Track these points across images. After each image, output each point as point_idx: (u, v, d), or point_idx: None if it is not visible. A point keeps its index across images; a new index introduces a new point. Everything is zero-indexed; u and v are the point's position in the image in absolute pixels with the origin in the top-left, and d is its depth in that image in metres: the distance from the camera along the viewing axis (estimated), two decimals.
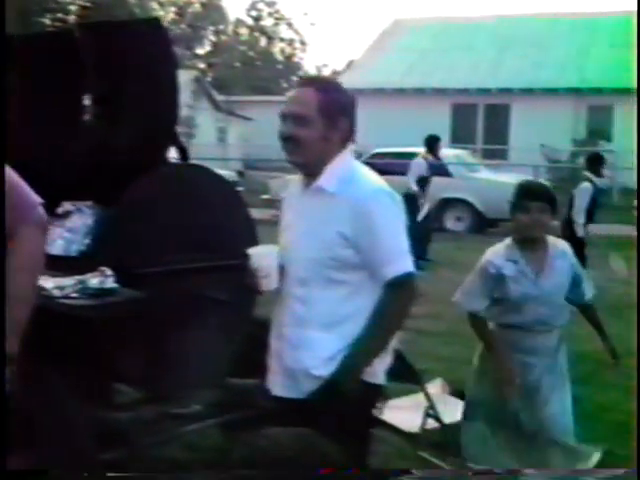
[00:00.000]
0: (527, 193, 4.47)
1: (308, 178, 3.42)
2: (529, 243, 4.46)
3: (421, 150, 18.43)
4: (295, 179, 3.56)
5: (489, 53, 30.77)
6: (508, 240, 4.55)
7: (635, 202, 17.88)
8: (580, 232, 10.50)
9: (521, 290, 4.42)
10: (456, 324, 9.08)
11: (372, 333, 3.29)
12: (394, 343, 3.49)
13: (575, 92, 27.70)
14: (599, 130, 26.95)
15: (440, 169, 16.47)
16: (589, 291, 4.69)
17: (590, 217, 10.68)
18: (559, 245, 4.59)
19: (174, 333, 4.22)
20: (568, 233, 10.59)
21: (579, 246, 10.39)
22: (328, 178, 3.33)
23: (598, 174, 10.89)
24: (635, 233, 17.20)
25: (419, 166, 14.02)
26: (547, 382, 4.63)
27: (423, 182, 14.00)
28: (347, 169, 3.37)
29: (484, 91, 28.42)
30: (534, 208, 4.35)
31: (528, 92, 27.90)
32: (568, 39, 30.60)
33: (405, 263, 3.29)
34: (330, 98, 3.32)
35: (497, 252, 4.54)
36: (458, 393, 5.95)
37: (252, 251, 3.46)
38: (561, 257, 4.51)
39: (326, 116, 3.30)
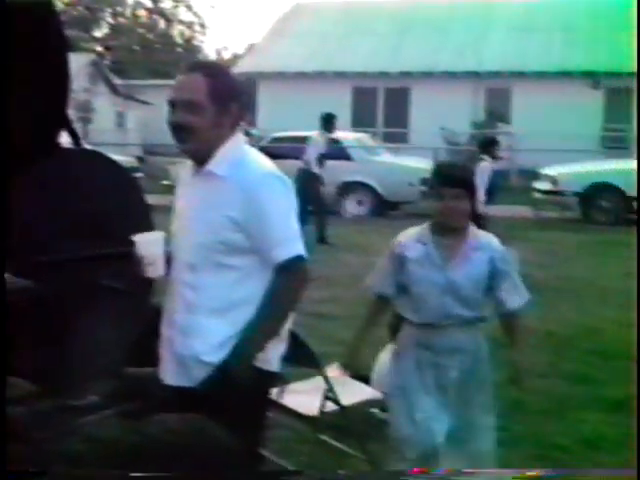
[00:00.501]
0: (441, 178, 4.13)
1: (199, 163, 3.37)
2: (445, 229, 4.08)
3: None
4: (187, 164, 3.50)
5: (389, 37, 30.94)
6: (425, 224, 4.18)
7: (534, 184, 18.27)
8: (481, 208, 10.79)
9: (423, 275, 4.07)
10: (356, 307, 9.15)
11: (263, 318, 3.27)
12: (288, 328, 3.47)
13: (474, 76, 28.10)
14: (497, 113, 27.40)
15: (336, 147, 16.53)
16: (515, 298, 4.18)
17: (487, 198, 10.99)
18: (482, 237, 4.17)
19: (68, 323, 4.15)
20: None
21: (478, 223, 10.71)
22: (218, 162, 3.29)
23: (493, 156, 11.20)
24: (531, 214, 17.60)
25: (317, 144, 14.02)
26: (464, 385, 4.20)
27: (322, 160, 14.03)
28: (238, 153, 3.33)
29: (384, 75, 28.61)
30: (448, 195, 3.99)
31: (428, 76, 28.18)
32: (467, 24, 30.95)
33: (295, 246, 3.27)
34: (220, 83, 3.28)
35: (408, 233, 4.25)
36: (357, 376, 6.01)
37: (137, 238, 3.43)
38: (481, 249, 4.08)
39: (217, 102, 3.25)
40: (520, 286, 4.19)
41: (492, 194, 11.28)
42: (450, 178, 4.08)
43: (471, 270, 4.07)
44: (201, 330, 3.30)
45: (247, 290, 3.28)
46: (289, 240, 3.27)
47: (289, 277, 3.26)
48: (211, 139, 3.29)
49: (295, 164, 17.36)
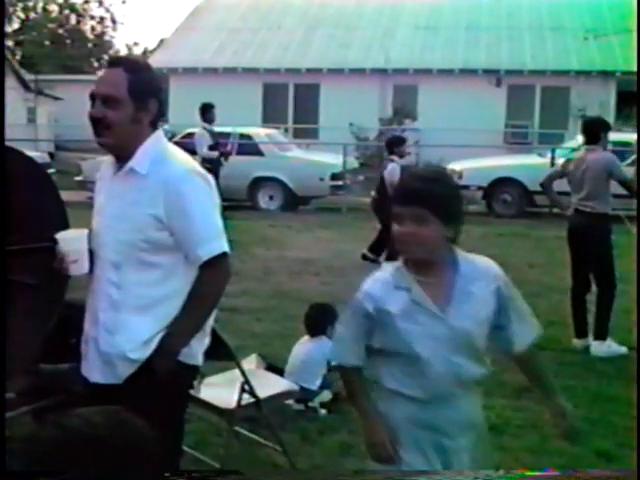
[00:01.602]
0: (399, 193, 3.03)
1: (119, 160, 3.34)
2: (426, 265, 3.00)
3: (234, 129, 18.54)
4: (107, 161, 3.47)
5: (298, 33, 30.97)
6: (397, 262, 3.05)
7: None
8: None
9: (417, 330, 2.96)
10: (268, 300, 9.24)
11: (188, 314, 3.27)
12: (210, 323, 3.49)
13: (381, 72, 28.28)
14: (404, 109, 27.63)
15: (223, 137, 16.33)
16: (528, 332, 3.16)
17: None
18: (479, 264, 3.10)
19: None
20: (381, 212, 11.15)
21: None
22: (139, 160, 3.26)
23: (400, 155, 11.38)
24: None
25: (203, 137, 13.89)
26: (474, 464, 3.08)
27: (214, 149, 13.87)
28: (159, 150, 3.31)
29: (294, 71, 28.60)
30: (408, 215, 2.91)
31: (336, 72, 28.27)
32: (374, 21, 31.18)
33: (219, 243, 3.28)
34: (140, 79, 3.26)
35: (378, 280, 3.05)
36: (272, 368, 6.04)
37: (60, 235, 3.38)
38: (481, 278, 3.04)
39: (136, 97, 3.23)
40: (528, 314, 3.20)
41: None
42: (410, 192, 2.95)
43: (476, 308, 3.01)
44: (126, 327, 3.28)
45: (171, 287, 3.28)
46: (212, 237, 3.27)
47: (213, 273, 3.27)
48: (129, 134, 3.26)
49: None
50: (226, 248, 3.30)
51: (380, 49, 29.07)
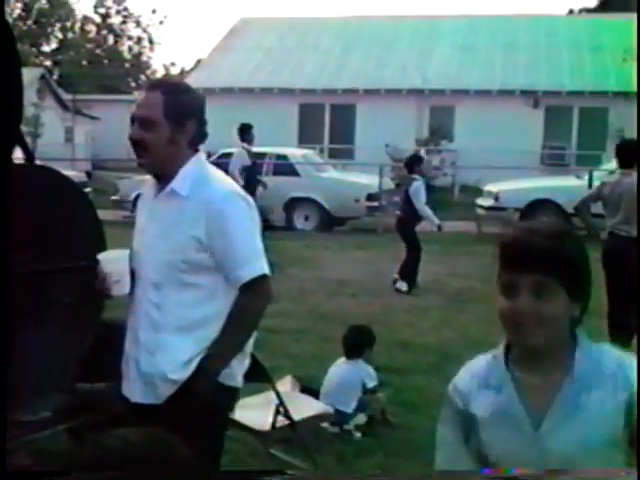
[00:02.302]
0: (511, 254, 2.24)
1: (160, 181, 3.37)
2: (533, 356, 2.24)
3: (270, 150, 18.64)
4: (148, 182, 3.50)
5: (334, 53, 31.10)
6: (497, 349, 2.35)
7: (477, 200, 18.47)
8: (435, 221, 11.75)
9: (501, 446, 2.24)
10: (304, 321, 9.24)
11: (228, 336, 3.28)
12: (250, 345, 3.49)
13: (418, 92, 28.31)
14: (441, 130, 27.62)
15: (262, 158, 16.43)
16: None
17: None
18: (606, 360, 2.23)
19: (16, 337, 4.10)
20: (405, 232, 11.29)
21: (417, 242, 11.21)
22: (180, 181, 3.29)
23: (422, 174, 11.55)
24: (475, 229, 17.77)
25: (240, 157, 13.93)
26: None
27: (249, 171, 13.89)
28: (200, 172, 3.33)
29: (330, 91, 28.69)
30: (526, 285, 2.17)
31: (372, 92, 28.34)
32: (411, 40, 31.24)
33: (259, 265, 3.29)
34: (177, 101, 3.28)
35: (469, 370, 2.40)
36: (307, 390, 6.04)
37: (102, 256, 3.42)
38: (602, 386, 2.18)
39: (172, 119, 3.26)
40: None
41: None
42: (529, 255, 2.17)
43: (588, 426, 2.16)
44: (167, 348, 3.30)
45: (212, 308, 3.30)
46: (253, 259, 3.29)
47: (253, 295, 3.28)
48: (167, 155, 3.29)
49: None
50: (266, 270, 3.31)
51: (417, 69, 29.12)
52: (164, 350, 3.31)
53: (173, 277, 3.27)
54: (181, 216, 3.27)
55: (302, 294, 10.84)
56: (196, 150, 3.38)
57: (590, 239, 11.98)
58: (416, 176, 11.50)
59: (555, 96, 27.21)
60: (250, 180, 13.38)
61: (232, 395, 3.48)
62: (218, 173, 3.44)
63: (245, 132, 14.11)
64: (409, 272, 11.43)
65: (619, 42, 29.24)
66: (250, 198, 3.38)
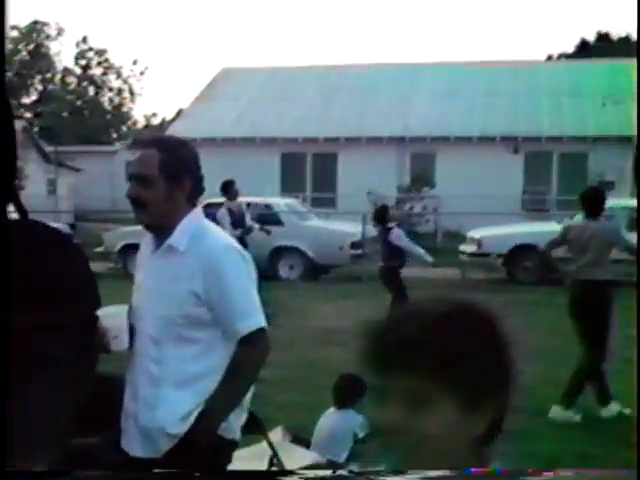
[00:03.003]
0: (377, 346, 1.55)
1: (158, 236, 3.42)
2: None
3: (253, 199, 18.72)
4: (146, 238, 3.55)
5: (316, 102, 31.39)
6: None
7: (460, 246, 18.60)
8: (428, 258, 12.40)
9: None
10: (293, 371, 9.25)
11: (227, 389, 3.32)
12: (248, 398, 3.53)
13: (399, 140, 28.56)
14: (423, 176, 27.83)
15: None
16: None
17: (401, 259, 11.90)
18: None
19: (10, 393, 4.11)
20: (389, 281, 11.47)
21: (403, 290, 11.34)
22: (178, 237, 3.34)
23: (393, 220, 12.29)
24: (458, 276, 17.86)
25: (224, 215, 13.86)
26: None
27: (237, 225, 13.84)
28: (197, 227, 3.38)
29: (312, 140, 28.91)
30: (394, 390, 1.53)
31: (354, 141, 28.56)
32: (392, 89, 31.58)
33: (257, 318, 3.34)
34: (172, 157, 3.33)
35: None
36: (299, 440, 6.04)
37: (102, 312, 3.44)
38: None
39: (168, 176, 3.31)
40: None
41: (402, 256, 11.81)
42: (398, 350, 1.51)
43: None
44: (166, 403, 3.33)
45: (210, 362, 3.34)
46: (250, 312, 3.34)
47: (251, 349, 3.33)
48: (164, 212, 3.35)
49: (228, 230, 17.46)
50: (264, 323, 3.36)
51: (398, 117, 29.41)
52: (163, 404, 3.33)
53: (172, 332, 3.31)
54: (179, 271, 3.31)
55: (290, 343, 10.84)
56: (193, 205, 3.43)
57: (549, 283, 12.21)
58: (391, 224, 11.82)
59: (535, 142, 27.55)
60: (241, 235, 13.38)
61: (231, 448, 3.50)
62: (215, 228, 3.51)
63: (228, 188, 14.13)
64: None
65: (598, 87, 29.69)
66: (246, 252, 3.43)
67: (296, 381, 8.76)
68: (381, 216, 12.08)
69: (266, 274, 17.77)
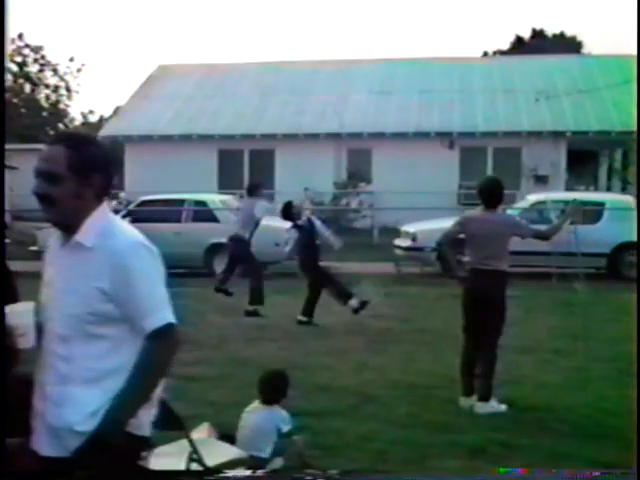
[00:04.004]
0: None
1: (67, 233, 3.38)
2: None
3: (188, 196, 18.65)
4: (55, 234, 3.50)
5: (253, 99, 31.31)
6: None
7: (395, 241, 18.68)
8: (335, 242, 12.88)
9: None
10: (224, 368, 9.24)
11: (134, 385, 3.28)
12: (159, 393, 3.51)
13: (335, 137, 28.61)
14: (359, 173, 27.94)
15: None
16: None
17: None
18: None
19: None
20: (308, 270, 11.81)
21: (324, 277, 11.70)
22: (86, 233, 3.31)
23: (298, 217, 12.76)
24: (393, 270, 17.97)
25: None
26: None
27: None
28: (105, 224, 3.35)
29: (249, 137, 28.84)
30: None
31: (291, 137, 28.58)
32: (329, 86, 31.65)
33: (165, 314, 3.31)
34: (81, 154, 3.30)
35: None
36: (226, 436, 6.05)
37: (9, 309, 3.42)
38: None
39: (77, 173, 3.28)
40: None
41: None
42: None
43: None
44: (74, 400, 3.29)
45: (119, 359, 3.31)
46: (158, 308, 3.31)
47: (159, 344, 3.29)
48: (74, 209, 3.31)
49: (164, 227, 17.47)
50: (171, 319, 3.31)
51: (334, 114, 29.45)
52: (71, 402, 3.29)
53: (80, 329, 3.28)
54: (87, 268, 3.28)
55: (222, 341, 10.83)
56: (101, 201, 3.39)
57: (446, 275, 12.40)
58: (301, 220, 12.68)
59: (469, 137, 27.78)
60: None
61: (141, 444, 3.46)
62: (122, 224, 3.45)
63: (255, 190, 14.48)
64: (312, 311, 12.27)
65: (531, 84, 30.05)
66: (154, 248, 3.40)
67: (228, 378, 8.73)
68: (286, 213, 12.80)
69: (202, 271, 17.80)
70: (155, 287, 3.33)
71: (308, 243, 12.29)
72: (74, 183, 3.29)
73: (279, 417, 6.00)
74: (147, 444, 3.56)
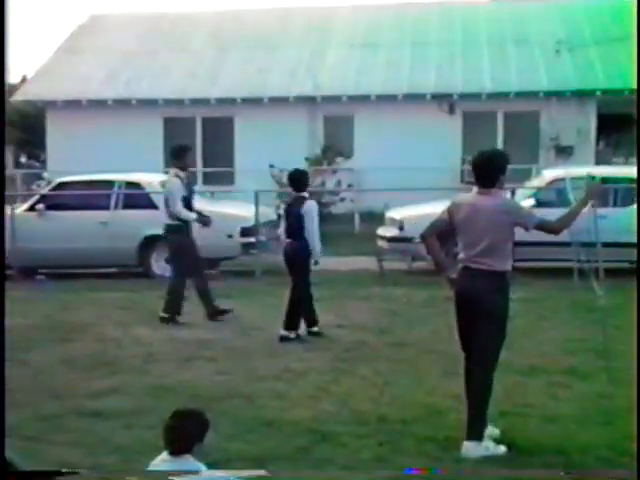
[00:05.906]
0: None
1: None
2: None
3: (119, 177, 18.27)
4: None
5: (207, 56, 31.12)
6: None
7: (378, 230, 18.38)
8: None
9: None
10: (144, 398, 8.93)
11: None
12: None
13: (309, 101, 28.51)
14: (336, 145, 27.75)
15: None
16: None
17: None
18: None
19: None
20: (296, 263, 11.43)
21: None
22: None
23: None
24: (375, 266, 17.65)
25: (176, 187, 13.53)
26: None
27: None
28: None
29: (202, 101, 28.59)
30: None
31: (254, 102, 28.41)
32: (300, 38, 31.71)
33: None
34: None
35: None
36: None
37: None
38: None
39: None
40: None
41: None
42: None
43: None
44: None
45: None
46: None
47: None
48: None
49: (87, 216, 17.09)
50: None
51: (307, 73, 29.25)
52: None
53: None
54: None
55: (147, 362, 10.42)
56: None
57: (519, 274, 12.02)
58: (305, 194, 11.74)
59: (474, 100, 27.55)
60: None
61: None
62: None
63: (182, 154, 13.81)
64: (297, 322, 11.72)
65: (550, 32, 29.76)
66: None
67: (146, 413, 8.34)
68: (297, 181, 11.91)
69: (135, 270, 17.41)
70: None
71: (301, 229, 11.50)
72: None
73: (192, 470, 5.60)
74: None
